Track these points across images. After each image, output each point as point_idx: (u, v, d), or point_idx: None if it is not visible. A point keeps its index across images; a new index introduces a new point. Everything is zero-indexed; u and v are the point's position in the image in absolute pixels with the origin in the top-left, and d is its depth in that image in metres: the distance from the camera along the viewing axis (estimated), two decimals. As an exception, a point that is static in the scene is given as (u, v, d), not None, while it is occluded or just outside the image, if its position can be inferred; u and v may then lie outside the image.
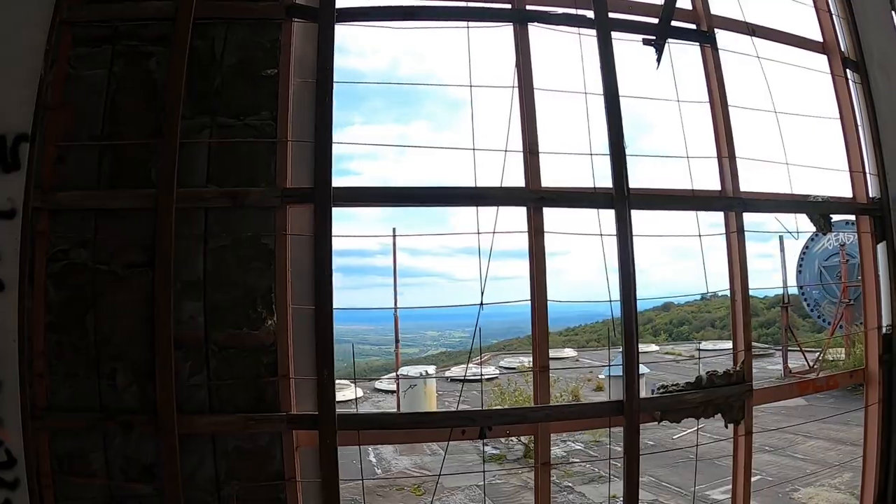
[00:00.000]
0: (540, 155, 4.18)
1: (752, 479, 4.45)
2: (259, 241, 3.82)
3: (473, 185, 4.07)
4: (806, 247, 15.42)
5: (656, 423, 4.20)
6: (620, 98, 4.25)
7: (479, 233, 4.11)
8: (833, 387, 5.14)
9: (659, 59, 4.51)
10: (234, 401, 3.74)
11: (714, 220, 4.71)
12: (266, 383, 3.75)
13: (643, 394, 5.24)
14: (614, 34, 4.37)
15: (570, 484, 8.90)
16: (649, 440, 9.52)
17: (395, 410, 13.87)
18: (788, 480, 8.01)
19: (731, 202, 4.41)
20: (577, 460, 9.92)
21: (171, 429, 3.56)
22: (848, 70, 5.39)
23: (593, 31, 4.31)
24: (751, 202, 4.47)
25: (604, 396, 14.27)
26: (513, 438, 10.67)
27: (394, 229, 12.13)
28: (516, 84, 4.29)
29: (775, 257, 13.91)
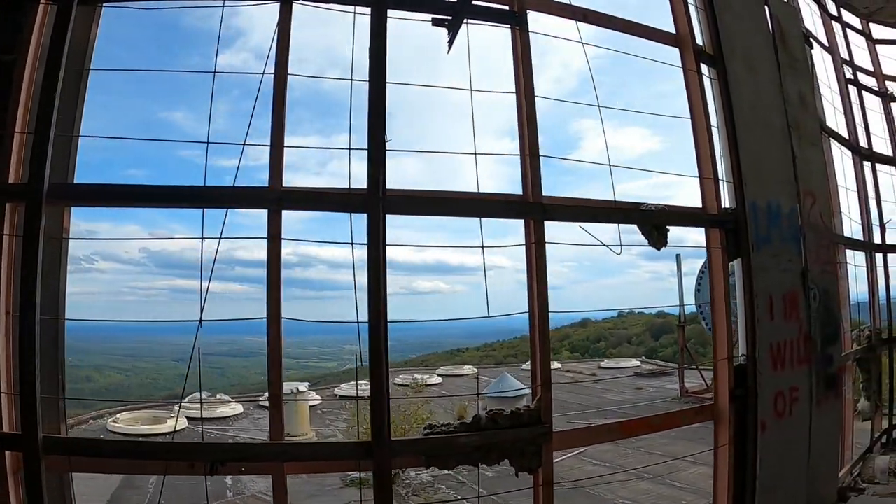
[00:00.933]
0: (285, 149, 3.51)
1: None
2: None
3: (203, 185, 3.39)
4: (706, 265, 14.89)
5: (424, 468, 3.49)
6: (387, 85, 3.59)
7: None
8: (673, 426, 4.43)
9: (451, 42, 3.88)
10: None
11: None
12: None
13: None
14: (398, 13, 3.74)
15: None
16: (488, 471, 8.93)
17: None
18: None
19: (529, 209, 3.73)
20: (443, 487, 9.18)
21: None
22: (704, 65, 4.78)
23: (368, 9, 3.67)
24: (556, 209, 3.80)
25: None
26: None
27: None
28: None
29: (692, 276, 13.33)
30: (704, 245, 4.61)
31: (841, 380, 5.82)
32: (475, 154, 3.73)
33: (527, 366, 25.42)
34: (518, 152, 3.87)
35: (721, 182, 4.64)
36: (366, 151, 3.45)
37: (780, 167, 5.07)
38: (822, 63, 7.56)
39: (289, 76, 3.61)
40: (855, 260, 6.94)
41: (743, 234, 4.51)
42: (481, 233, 3.67)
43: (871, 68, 8.80)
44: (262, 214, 3.53)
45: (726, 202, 4.65)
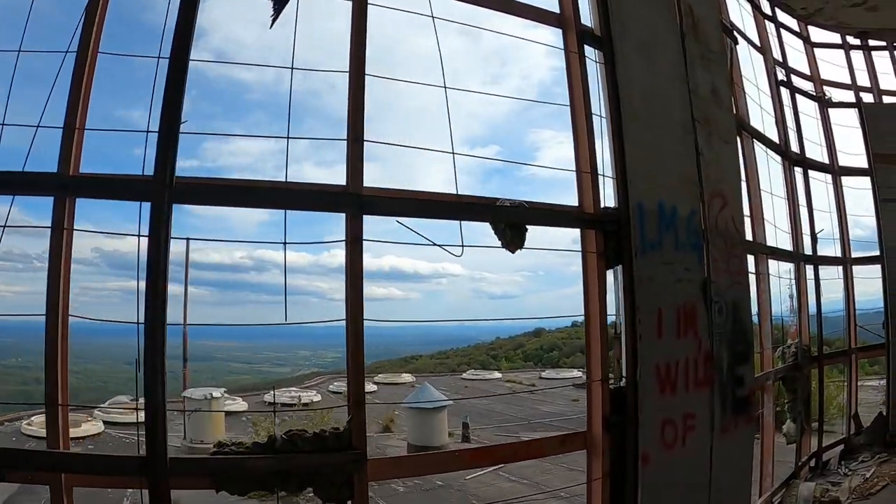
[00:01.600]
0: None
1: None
2: None
3: None
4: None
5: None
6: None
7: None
8: (537, 455, 3.82)
9: (276, 17, 3.27)
10: None
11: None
12: None
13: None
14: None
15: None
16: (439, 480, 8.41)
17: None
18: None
19: (343, 200, 3.10)
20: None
21: None
22: (589, 47, 4.24)
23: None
24: (377, 203, 3.17)
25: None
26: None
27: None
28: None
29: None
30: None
31: (752, 403, 5.27)
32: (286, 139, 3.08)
33: (470, 374, 24.71)
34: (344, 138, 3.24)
35: (604, 178, 4.09)
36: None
37: (679, 165, 4.54)
38: (751, 63, 7.16)
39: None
40: (780, 272, 6.46)
41: (625, 238, 3.94)
42: (285, 228, 3.04)
43: (808, 72, 8.44)
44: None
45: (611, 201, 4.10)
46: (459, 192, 3.51)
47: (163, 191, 2.80)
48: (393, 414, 12.94)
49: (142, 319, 2.76)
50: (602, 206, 3.99)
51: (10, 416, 14.76)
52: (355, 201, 3.08)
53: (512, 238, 3.48)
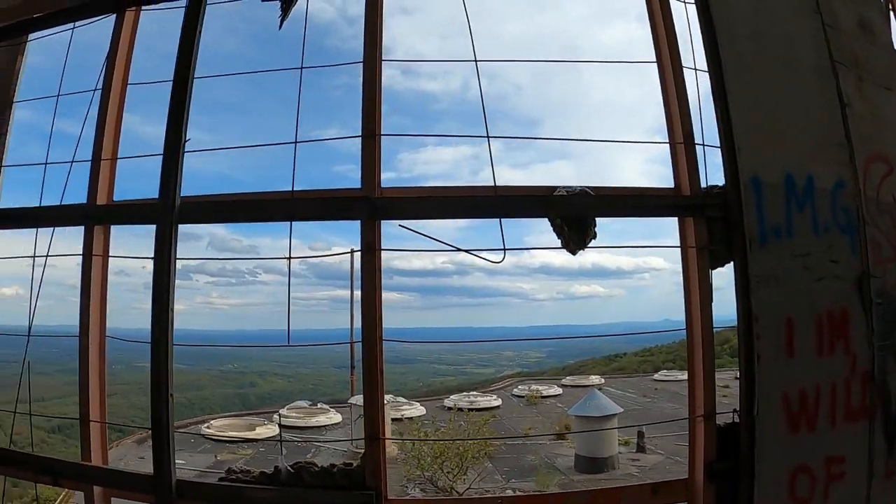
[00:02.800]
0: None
1: None
2: None
3: None
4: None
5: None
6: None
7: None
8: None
9: (284, 18, 2.91)
10: None
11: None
12: None
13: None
14: None
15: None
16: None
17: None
18: None
19: (355, 206, 2.60)
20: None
21: None
22: (679, -18, 3.28)
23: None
24: (392, 207, 2.64)
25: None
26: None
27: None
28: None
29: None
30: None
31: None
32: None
33: (662, 374, 22.99)
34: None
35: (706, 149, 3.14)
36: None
37: (814, 121, 3.39)
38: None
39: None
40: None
41: (736, 225, 2.98)
42: (290, 240, 2.64)
43: None
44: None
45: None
46: (507, 185, 2.85)
47: (167, 213, 2.56)
48: (569, 420, 12.20)
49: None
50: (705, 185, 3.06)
51: (196, 419, 16.47)
52: (367, 206, 2.58)
53: (571, 236, 2.74)
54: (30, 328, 3.04)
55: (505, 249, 2.67)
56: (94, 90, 3.09)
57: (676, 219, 3.09)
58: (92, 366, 2.88)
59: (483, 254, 2.68)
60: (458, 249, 2.65)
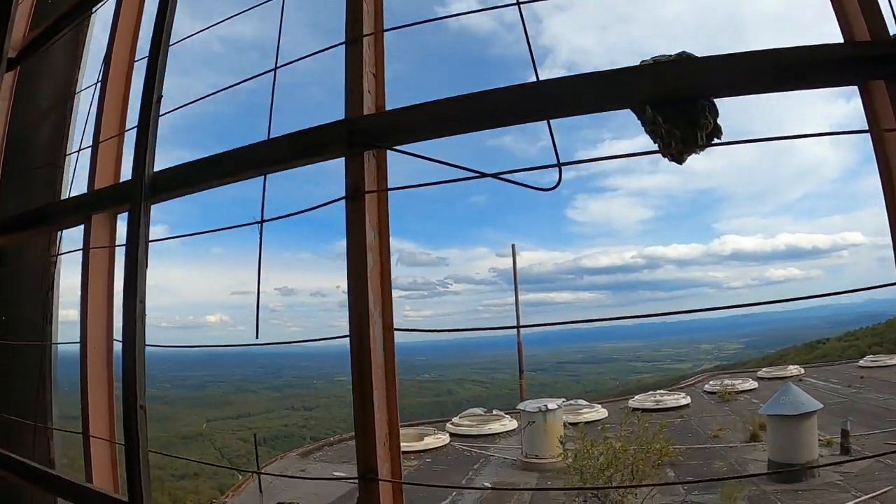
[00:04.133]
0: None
1: None
2: None
3: None
4: None
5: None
6: None
7: None
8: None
9: None
10: None
11: None
12: None
13: None
14: None
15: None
16: None
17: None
18: None
19: (332, 132, 1.86)
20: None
21: None
22: None
23: None
24: (373, 130, 1.82)
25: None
26: None
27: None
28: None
29: None
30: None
31: None
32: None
33: (868, 360, 19.50)
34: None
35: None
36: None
37: None
38: None
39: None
40: None
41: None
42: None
43: None
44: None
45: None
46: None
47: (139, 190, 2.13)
48: (764, 419, 10.35)
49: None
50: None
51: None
52: (343, 132, 1.85)
53: (672, 131, 1.67)
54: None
55: (560, 165, 1.70)
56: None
57: (857, 88, 1.78)
58: (92, 375, 2.57)
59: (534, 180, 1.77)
60: (471, 172, 1.74)
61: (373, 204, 1.85)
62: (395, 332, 1.90)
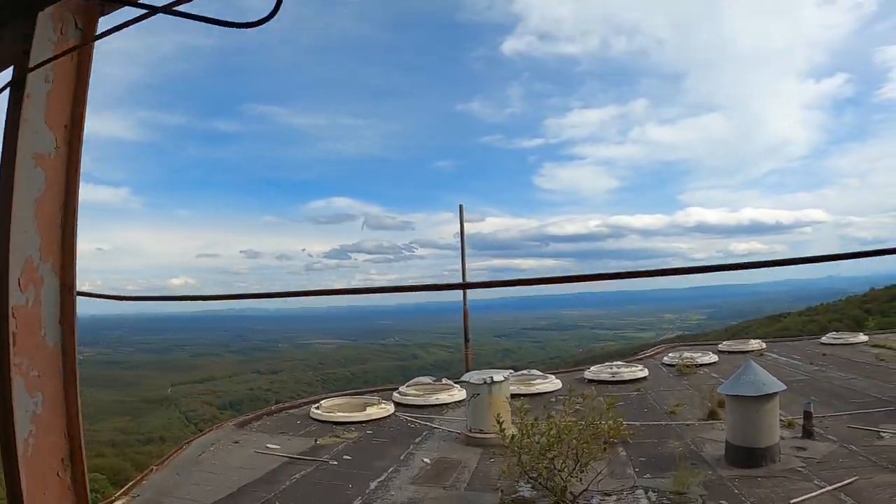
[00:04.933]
0: None
1: None
2: None
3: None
4: None
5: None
6: None
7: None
8: None
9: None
10: None
11: None
12: None
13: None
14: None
15: None
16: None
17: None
18: None
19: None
20: None
21: None
22: None
23: None
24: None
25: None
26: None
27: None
28: None
29: None
30: None
31: None
32: None
33: (830, 337, 18.64)
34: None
35: None
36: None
37: None
38: None
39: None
40: None
41: None
42: None
43: None
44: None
45: None
46: None
47: None
48: (723, 397, 9.60)
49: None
50: None
51: (311, 398, 15.63)
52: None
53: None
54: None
55: None
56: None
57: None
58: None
59: None
60: None
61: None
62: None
